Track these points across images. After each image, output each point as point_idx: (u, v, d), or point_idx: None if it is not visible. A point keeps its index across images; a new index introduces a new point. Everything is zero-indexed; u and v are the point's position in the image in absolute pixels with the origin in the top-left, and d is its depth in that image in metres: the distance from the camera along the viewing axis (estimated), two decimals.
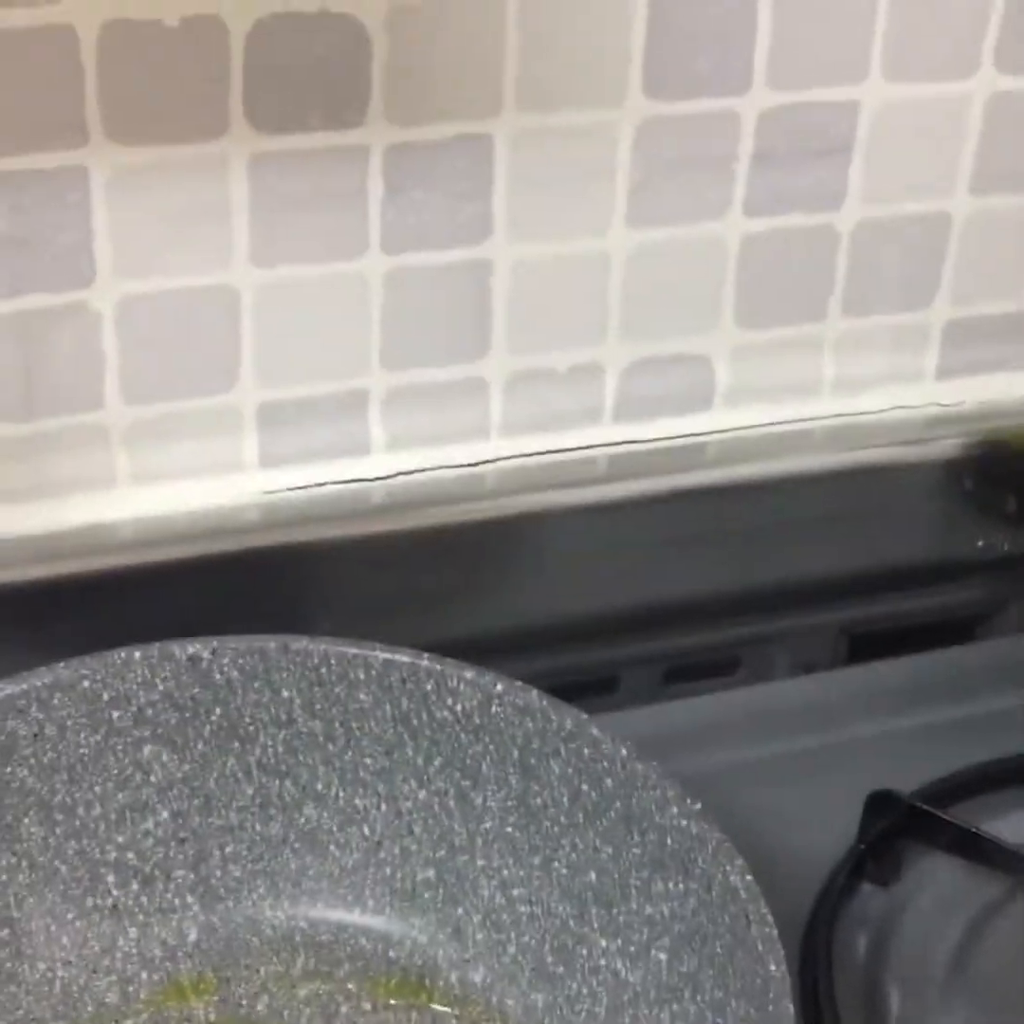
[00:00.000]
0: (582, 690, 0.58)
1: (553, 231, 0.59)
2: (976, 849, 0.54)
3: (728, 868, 0.42)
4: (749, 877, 0.42)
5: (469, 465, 0.61)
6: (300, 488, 0.59)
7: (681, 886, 0.44)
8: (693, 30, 0.56)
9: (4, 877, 0.46)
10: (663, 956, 0.44)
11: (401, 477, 0.61)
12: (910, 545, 0.67)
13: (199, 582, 0.57)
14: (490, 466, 0.62)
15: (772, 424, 0.65)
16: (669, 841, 0.44)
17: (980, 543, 0.67)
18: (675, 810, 0.44)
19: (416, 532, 0.60)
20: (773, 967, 0.39)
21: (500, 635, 0.61)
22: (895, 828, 0.54)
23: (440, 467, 0.61)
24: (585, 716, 0.47)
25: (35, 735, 0.47)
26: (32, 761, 0.47)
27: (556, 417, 0.62)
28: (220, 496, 0.58)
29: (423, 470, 0.61)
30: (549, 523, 0.62)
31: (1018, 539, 0.67)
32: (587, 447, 0.63)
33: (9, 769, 0.46)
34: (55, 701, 0.47)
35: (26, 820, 0.47)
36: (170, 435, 0.57)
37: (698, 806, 0.44)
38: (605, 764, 0.46)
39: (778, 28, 0.57)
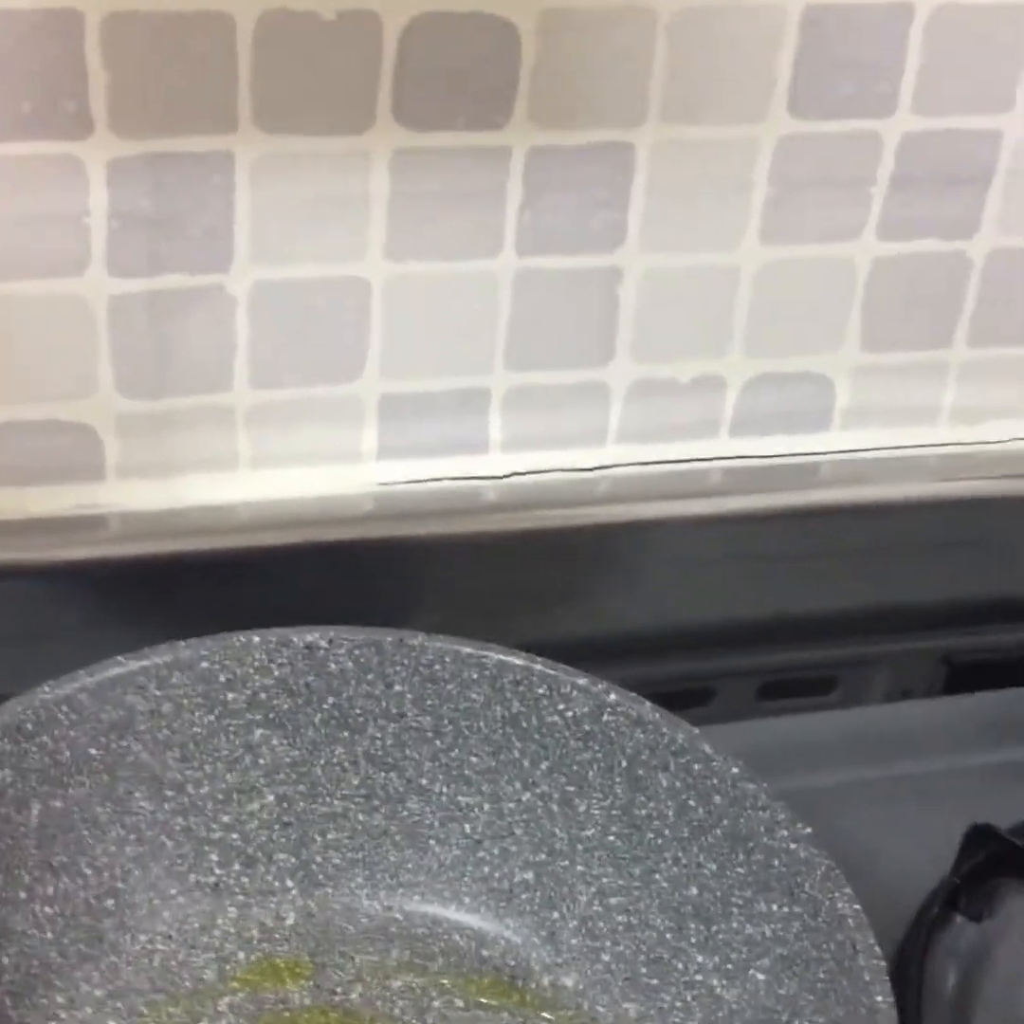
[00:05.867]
0: (677, 700, 0.58)
1: (685, 242, 0.59)
2: None
3: (836, 895, 0.42)
4: (857, 906, 0.42)
5: (585, 470, 0.61)
6: (416, 482, 0.60)
7: (786, 909, 0.43)
8: (842, 53, 0.56)
9: (113, 848, 0.47)
10: (762, 977, 0.44)
11: (516, 477, 0.61)
12: (1018, 578, 0.66)
13: (311, 568, 0.57)
14: (605, 472, 0.62)
15: (889, 448, 0.65)
16: (776, 863, 0.44)
17: None
18: (785, 833, 0.44)
19: (527, 533, 0.60)
20: (880, 998, 0.39)
21: (600, 640, 0.61)
22: (991, 863, 0.54)
23: (556, 470, 0.61)
24: (697, 731, 0.47)
25: (152, 711, 0.47)
26: (147, 737, 0.47)
27: (674, 428, 0.62)
28: (337, 485, 0.59)
29: (538, 471, 0.61)
30: (659, 533, 0.62)
31: None
32: (703, 459, 0.63)
33: (124, 743, 0.47)
34: (173, 680, 0.47)
35: (137, 794, 0.47)
36: (293, 421, 0.58)
37: (808, 830, 0.44)
38: (715, 781, 0.46)
39: (927, 56, 0.56)
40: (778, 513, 0.63)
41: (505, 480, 0.61)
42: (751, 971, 0.44)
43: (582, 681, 0.48)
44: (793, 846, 0.44)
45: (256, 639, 0.48)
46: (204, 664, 0.47)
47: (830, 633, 0.65)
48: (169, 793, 0.48)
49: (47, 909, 0.46)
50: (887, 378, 0.63)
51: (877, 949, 0.41)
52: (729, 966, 0.45)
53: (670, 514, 0.61)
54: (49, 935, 0.45)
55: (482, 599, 0.60)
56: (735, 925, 0.45)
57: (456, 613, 0.59)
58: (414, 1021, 0.46)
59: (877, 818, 0.56)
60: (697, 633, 0.63)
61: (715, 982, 0.45)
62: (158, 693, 0.47)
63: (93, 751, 0.46)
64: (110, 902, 0.47)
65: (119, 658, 0.47)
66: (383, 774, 0.49)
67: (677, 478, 0.62)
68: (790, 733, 0.61)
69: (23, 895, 0.45)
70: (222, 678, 0.48)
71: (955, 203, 0.60)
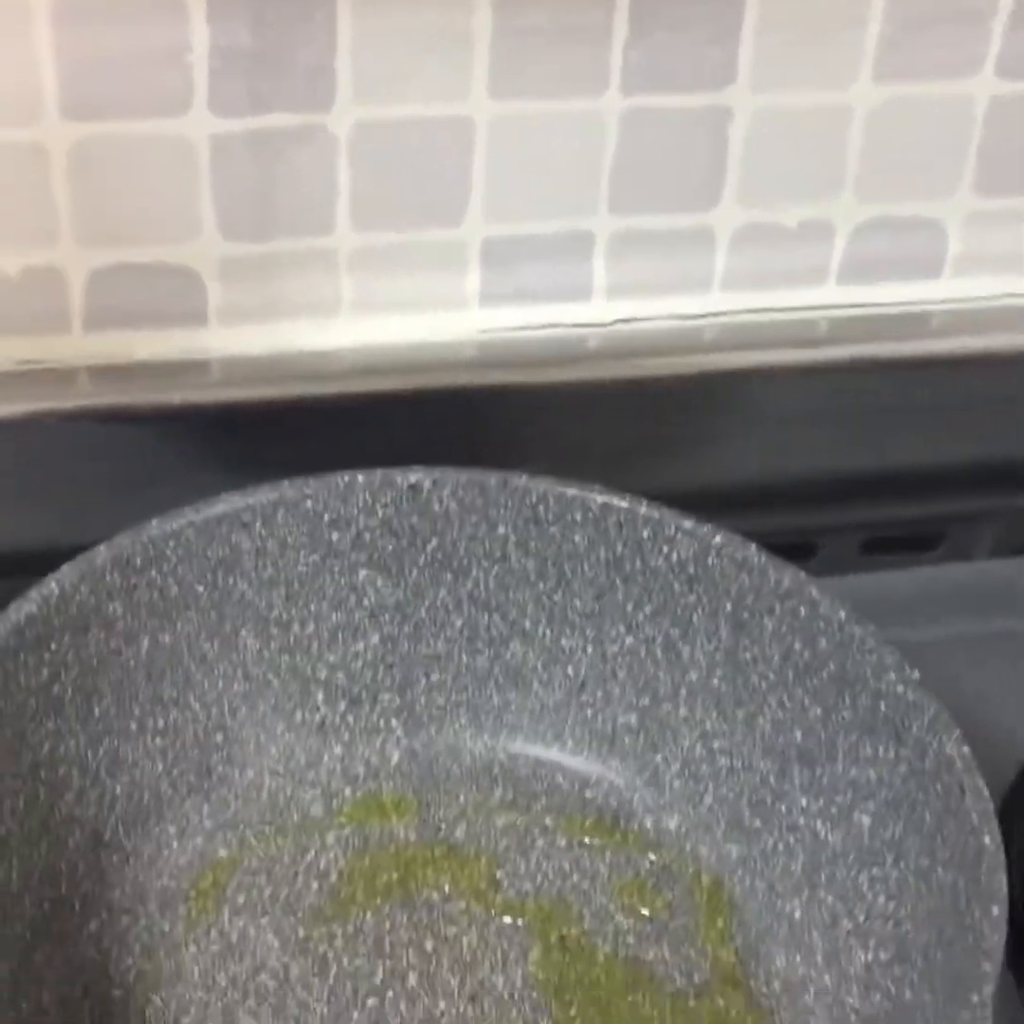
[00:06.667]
0: (780, 554, 0.57)
1: (797, 82, 0.57)
2: None
3: (945, 738, 0.42)
4: (966, 749, 0.41)
5: (689, 317, 0.60)
6: (518, 329, 0.59)
7: (892, 752, 0.43)
8: None
9: (220, 684, 0.47)
10: (867, 820, 0.44)
11: (620, 325, 0.60)
12: None
13: (413, 415, 0.57)
14: (711, 320, 0.61)
15: (1001, 297, 0.63)
16: (883, 706, 0.44)
17: None
18: (892, 676, 0.43)
19: (630, 381, 0.59)
20: (987, 839, 0.39)
21: (702, 489, 0.60)
22: None
23: (660, 317, 0.60)
24: (804, 575, 0.46)
25: (257, 550, 0.47)
26: (253, 575, 0.47)
27: (781, 274, 0.61)
28: (440, 331, 0.58)
29: (643, 319, 0.60)
30: (765, 382, 0.61)
31: None
32: (810, 307, 0.61)
33: (231, 581, 0.47)
34: (279, 518, 0.47)
35: (243, 632, 0.48)
36: (395, 265, 0.57)
37: (916, 674, 0.43)
38: (821, 624, 0.45)
39: None
40: (887, 364, 0.61)
41: (609, 328, 0.60)
42: (856, 814, 0.44)
43: (687, 524, 0.47)
44: (901, 689, 0.43)
45: (360, 479, 0.48)
46: (308, 503, 0.47)
47: (936, 488, 0.64)
48: (275, 631, 0.48)
49: (158, 741, 0.46)
50: (1002, 223, 0.61)
51: (985, 791, 0.40)
52: (833, 809, 0.45)
53: (776, 363, 0.60)
54: (160, 767, 0.46)
55: (585, 448, 0.59)
56: (840, 768, 0.45)
57: (558, 462, 0.58)
58: (518, 858, 0.47)
59: (982, 673, 0.55)
60: (801, 486, 0.63)
61: (818, 825, 0.45)
62: (263, 532, 0.47)
63: (200, 588, 0.47)
64: (218, 736, 0.47)
65: (224, 496, 0.47)
66: (486, 616, 0.49)
67: (784, 326, 0.61)
68: (895, 587, 0.61)
69: (134, 726, 0.46)
70: (326, 518, 0.48)
71: None
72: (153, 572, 0.46)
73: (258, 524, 0.47)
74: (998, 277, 0.63)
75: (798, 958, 0.44)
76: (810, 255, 0.61)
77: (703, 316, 0.60)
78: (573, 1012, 0.43)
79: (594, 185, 0.57)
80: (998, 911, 0.37)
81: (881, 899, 0.43)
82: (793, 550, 0.63)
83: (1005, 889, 0.38)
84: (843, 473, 0.63)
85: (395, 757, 0.49)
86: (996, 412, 0.63)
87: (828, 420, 0.61)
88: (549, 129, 0.56)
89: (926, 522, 0.65)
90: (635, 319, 0.60)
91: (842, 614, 0.45)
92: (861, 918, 0.43)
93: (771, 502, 0.62)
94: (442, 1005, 0.43)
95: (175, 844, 0.46)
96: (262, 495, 0.47)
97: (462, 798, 0.48)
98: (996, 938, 0.37)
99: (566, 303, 0.59)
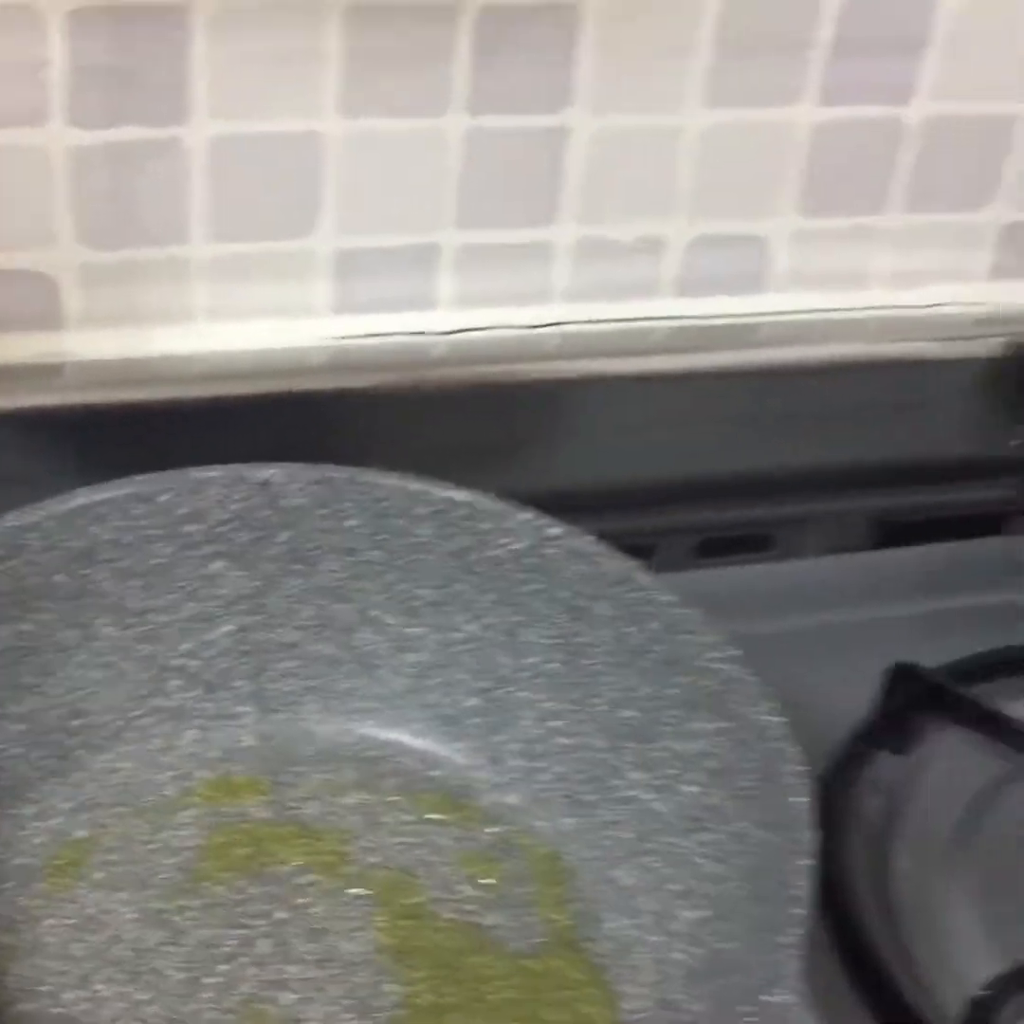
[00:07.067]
0: None
1: (631, 105, 0.60)
2: (989, 725, 0.56)
3: (762, 708, 0.45)
4: (781, 718, 0.44)
5: (531, 327, 0.63)
6: (367, 336, 0.62)
7: (714, 725, 0.46)
8: None
9: (79, 671, 0.49)
10: (693, 789, 0.47)
11: (464, 333, 0.63)
12: (946, 439, 0.69)
13: (267, 419, 0.59)
14: (551, 329, 0.64)
15: (824, 310, 0.67)
16: (707, 682, 0.47)
17: (1013, 443, 0.69)
18: (715, 654, 0.47)
19: (474, 386, 0.62)
20: (800, 799, 0.42)
21: (544, 492, 0.62)
22: (914, 700, 0.57)
23: (503, 326, 0.63)
24: (634, 562, 0.49)
25: (114, 541, 0.49)
26: (110, 566, 0.49)
27: (618, 287, 0.64)
28: (292, 338, 0.61)
29: (486, 328, 0.63)
30: (602, 389, 0.64)
31: None
32: (645, 319, 0.65)
33: (89, 571, 0.49)
34: (135, 511, 0.49)
35: (101, 621, 0.49)
36: (249, 275, 0.59)
37: (737, 652, 0.47)
38: (650, 608, 0.48)
39: None
40: (717, 373, 0.65)
41: (454, 336, 0.63)
42: (682, 785, 0.47)
43: (525, 515, 0.50)
44: (722, 667, 0.46)
45: (214, 474, 0.50)
46: (164, 497, 0.49)
47: (767, 491, 0.68)
48: (132, 621, 0.50)
49: (18, 726, 0.48)
50: (824, 241, 0.65)
51: (798, 755, 0.43)
52: (662, 781, 0.48)
53: (612, 371, 0.64)
54: (19, 750, 0.48)
55: (430, 451, 0.61)
56: (668, 742, 0.48)
57: (405, 463, 0.60)
58: (366, 833, 0.49)
59: (808, 665, 0.58)
60: (637, 489, 0.66)
61: (648, 796, 0.48)
62: (120, 524, 0.49)
63: (59, 578, 0.48)
64: (77, 722, 0.49)
65: (82, 489, 0.49)
66: (335, 606, 0.52)
67: (620, 336, 0.64)
68: (727, 584, 0.64)
69: None
70: (181, 511, 0.50)
71: (892, 69, 0.62)
72: (14, 561, 0.47)
73: (115, 516, 0.49)
74: (821, 292, 0.67)
75: (628, 920, 0.47)
76: (644, 269, 0.64)
77: (544, 326, 0.64)
78: (417, 974, 0.45)
79: (440, 200, 0.60)
80: (807, 862, 0.41)
81: (706, 862, 0.46)
82: (630, 552, 0.66)
83: (814, 843, 0.41)
84: (677, 477, 0.66)
85: (248, 741, 0.51)
86: (819, 420, 0.67)
87: (662, 426, 0.65)
88: (397, 146, 0.59)
89: (756, 525, 0.68)
90: (479, 328, 0.63)
91: (668, 598, 0.48)
92: (687, 880, 0.46)
93: (608, 504, 0.65)
94: (292, 970, 0.45)
95: (36, 824, 0.48)
96: (119, 489, 0.49)
97: (313, 778, 0.51)
98: (804, 886, 0.40)
99: (413, 312, 0.62)
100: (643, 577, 0.49)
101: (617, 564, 0.49)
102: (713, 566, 0.66)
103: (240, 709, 0.51)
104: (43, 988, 0.44)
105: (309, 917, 0.47)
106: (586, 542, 0.50)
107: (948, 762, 0.56)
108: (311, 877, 0.48)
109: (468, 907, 0.47)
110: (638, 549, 0.66)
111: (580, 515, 0.63)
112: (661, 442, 0.65)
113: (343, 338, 0.61)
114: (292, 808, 0.50)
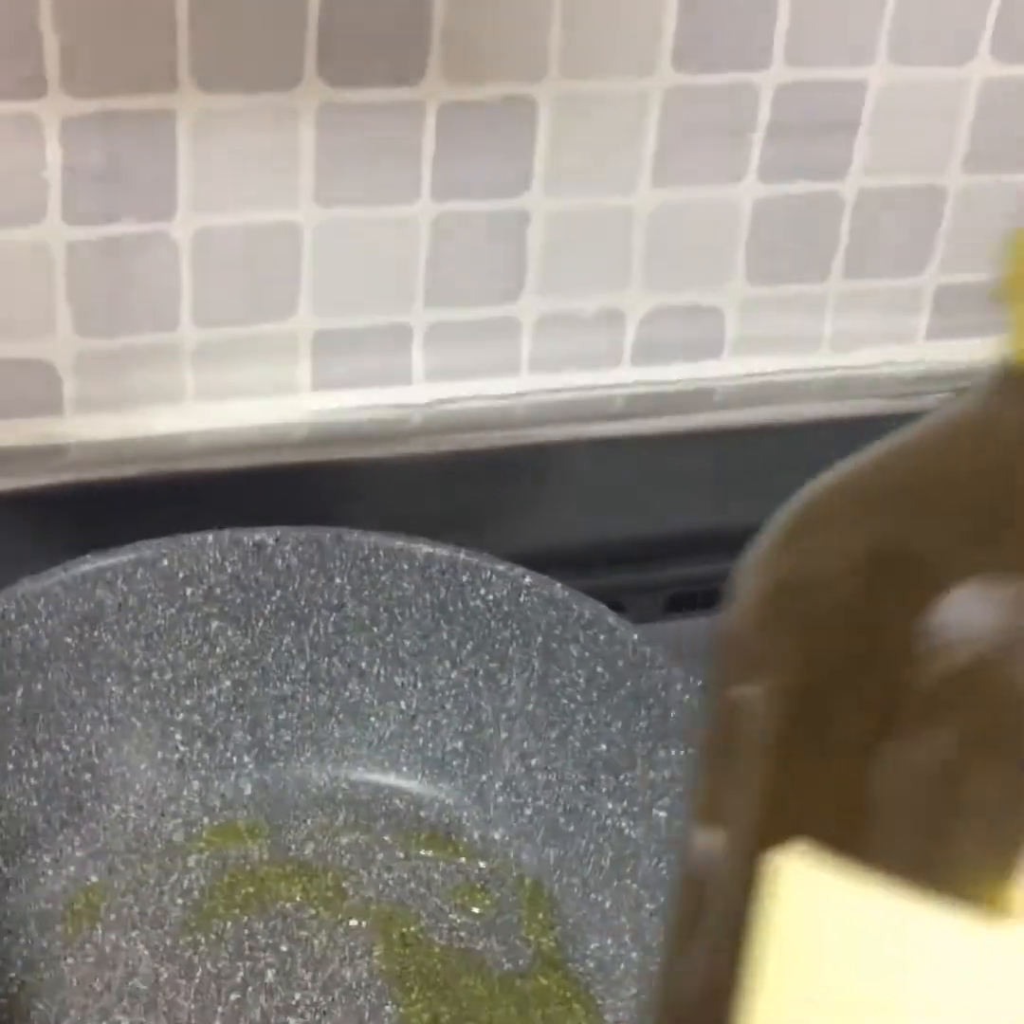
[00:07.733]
0: None
1: (585, 188, 0.65)
2: None
3: None
4: None
5: (500, 397, 0.68)
6: (347, 410, 0.66)
7: (681, 753, 0.50)
8: (719, 8, 0.62)
9: (89, 728, 0.53)
10: (663, 814, 0.50)
11: (438, 405, 0.67)
12: None
13: (255, 490, 0.63)
14: (519, 399, 0.68)
15: (775, 374, 0.71)
16: (673, 714, 0.50)
17: None
18: (678, 687, 0.50)
19: (449, 455, 0.66)
20: None
21: (516, 552, 0.67)
22: None
23: (474, 398, 0.67)
24: (603, 606, 0.53)
25: (119, 604, 0.53)
26: (115, 628, 0.53)
27: (580, 357, 0.68)
28: (276, 414, 0.65)
29: (458, 400, 0.67)
30: (569, 454, 0.68)
31: None
32: (607, 386, 0.69)
33: (96, 633, 0.52)
34: (138, 575, 0.53)
35: (108, 679, 0.53)
36: (235, 356, 0.63)
37: (700, 683, 0.50)
38: (618, 648, 0.52)
39: (796, 10, 0.63)
40: (678, 435, 0.69)
41: (428, 408, 0.67)
42: (654, 810, 0.51)
43: (500, 567, 0.54)
44: (687, 698, 0.50)
45: (210, 538, 0.54)
46: (164, 562, 0.53)
47: (730, 547, 0.71)
48: (137, 679, 0.54)
49: (32, 780, 0.51)
50: (772, 309, 0.70)
51: None
52: (635, 808, 0.51)
53: (579, 436, 0.68)
54: (35, 803, 0.51)
55: (408, 516, 0.65)
56: (639, 772, 0.51)
57: (386, 529, 0.64)
58: (361, 870, 0.53)
59: None
60: (606, 548, 0.70)
61: (623, 824, 0.52)
62: (124, 588, 0.53)
63: (68, 640, 0.52)
64: (87, 775, 0.53)
65: (89, 556, 0.52)
66: (326, 659, 0.55)
67: (585, 404, 0.69)
68: (696, 633, 0.67)
69: (11, 767, 0.51)
70: (181, 574, 0.53)
71: (827, 147, 0.67)
72: (26, 625, 0.51)
73: (120, 581, 0.53)
74: (771, 356, 0.71)
75: (609, 940, 0.50)
76: (605, 340, 0.68)
77: (512, 396, 0.68)
78: (414, 996, 0.49)
79: (410, 282, 0.65)
80: None
81: None
82: None
83: None
84: (643, 535, 0.70)
85: (248, 789, 0.55)
86: (778, 477, 0.71)
87: (626, 487, 0.69)
88: (369, 232, 0.63)
89: (721, 579, 0.72)
90: (451, 400, 0.67)
91: (635, 636, 0.52)
92: (662, 899, 0.49)
93: (578, 562, 0.69)
94: (297, 996, 0.48)
95: (50, 872, 0.51)
96: (123, 555, 0.53)
97: (310, 821, 0.54)
98: None
99: (389, 387, 0.66)
100: (611, 619, 0.52)
101: (586, 608, 0.53)
102: (681, 618, 0.70)
103: (239, 759, 0.55)
104: (66, 1022, 0.47)
105: (311, 948, 0.50)
106: (557, 589, 0.54)
107: None
108: (312, 912, 0.51)
109: (460, 934, 0.51)
110: (609, 606, 0.70)
111: (552, 573, 0.66)
112: (626, 503, 0.69)
113: (324, 413, 0.65)
114: (291, 849, 0.53)
